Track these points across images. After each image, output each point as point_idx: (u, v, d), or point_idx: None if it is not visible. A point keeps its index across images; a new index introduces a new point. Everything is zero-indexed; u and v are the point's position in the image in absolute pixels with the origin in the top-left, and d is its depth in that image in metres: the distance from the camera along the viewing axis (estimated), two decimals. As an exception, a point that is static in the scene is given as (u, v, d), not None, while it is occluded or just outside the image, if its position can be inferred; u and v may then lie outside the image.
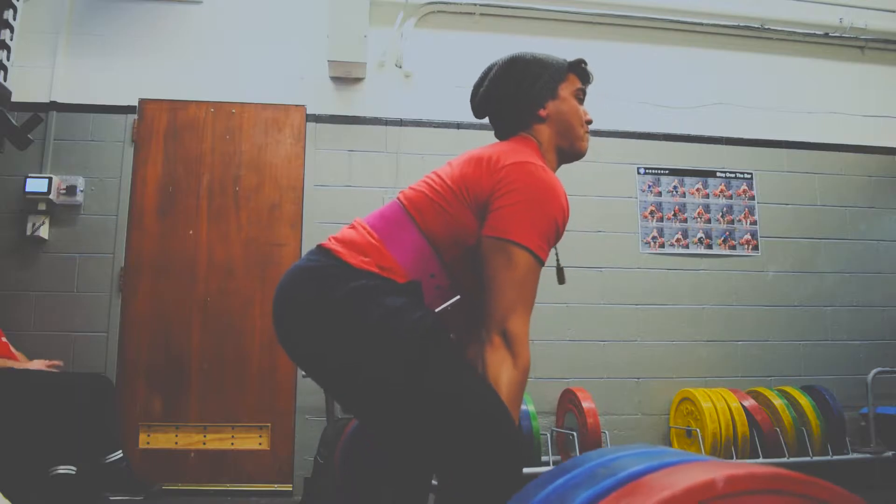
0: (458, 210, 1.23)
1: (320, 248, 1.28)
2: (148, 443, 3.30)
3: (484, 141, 1.38)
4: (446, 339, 1.21)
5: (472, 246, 1.23)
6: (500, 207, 1.19)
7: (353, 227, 1.32)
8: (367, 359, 1.13)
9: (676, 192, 3.89)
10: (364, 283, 1.17)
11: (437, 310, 1.25)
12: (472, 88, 1.47)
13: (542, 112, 1.37)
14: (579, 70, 1.43)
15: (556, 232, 1.22)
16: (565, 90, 1.39)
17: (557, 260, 1.50)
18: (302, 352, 1.22)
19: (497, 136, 1.45)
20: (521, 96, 1.37)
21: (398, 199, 1.32)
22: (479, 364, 1.16)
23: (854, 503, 0.62)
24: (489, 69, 1.43)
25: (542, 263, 1.20)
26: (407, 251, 1.22)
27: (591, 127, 1.44)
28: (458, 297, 1.27)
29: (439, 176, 1.30)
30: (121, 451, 2.98)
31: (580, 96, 1.42)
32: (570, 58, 1.44)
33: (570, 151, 1.40)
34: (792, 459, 3.21)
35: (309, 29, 3.74)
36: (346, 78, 3.72)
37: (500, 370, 1.13)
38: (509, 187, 1.19)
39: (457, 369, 1.16)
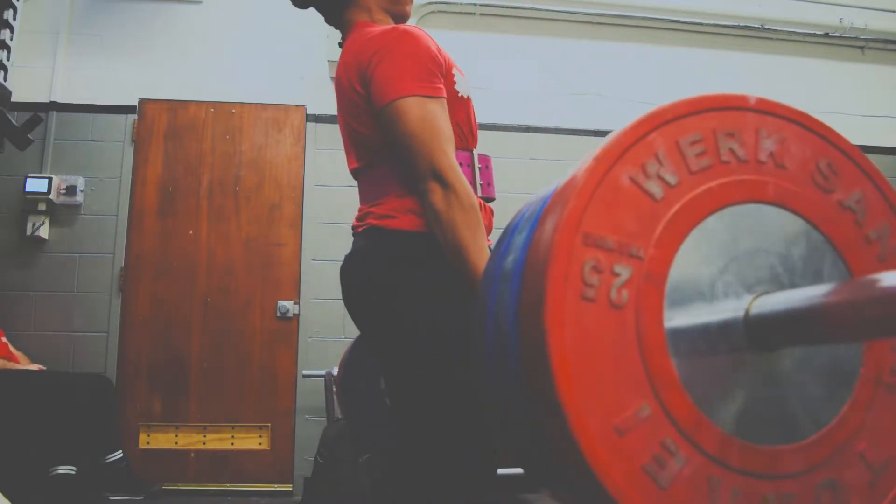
0: (365, 118, 1.23)
1: (362, 230, 1.29)
2: (148, 443, 3.30)
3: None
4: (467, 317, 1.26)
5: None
6: (369, 80, 1.19)
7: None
8: (406, 336, 1.18)
9: (676, 192, 3.89)
10: (401, 254, 1.20)
11: None
12: None
13: None
14: None
15: (431, 61, 1.19)
16: None
17: None
18: (365, 331, 1.28)
19: (327, 21, 1.43)
20: None
21: (348, 166, 1.36)
22: (429, 217, 1.15)
23: (866, 160, 0.70)
24: None
25: (439, 97, 1.18)
26: (392, 183, 1.23)
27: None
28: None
29: (338, 117, 1.35)
30: (121, 451, 2.98)
31: None
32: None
33: (396, 13, 1.38)
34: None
35: (309, 29, 3.72)
36: (346, 78, 3.71)
37: (449, 209, 1.12)
38: (366, 60, 1.19)
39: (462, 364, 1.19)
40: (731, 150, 0.64)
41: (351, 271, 1.26)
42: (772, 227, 0.64)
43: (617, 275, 0.58)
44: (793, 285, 0.63)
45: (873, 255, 0.66)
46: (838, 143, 0.69)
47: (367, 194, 1.30)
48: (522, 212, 0.76)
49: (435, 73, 1.19)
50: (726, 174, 0.63)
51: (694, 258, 0.61)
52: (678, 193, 0.62)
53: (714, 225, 0.62)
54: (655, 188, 0.61)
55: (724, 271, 0.62)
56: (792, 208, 0.64)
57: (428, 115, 1.16)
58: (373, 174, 1.27)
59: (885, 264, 0.66)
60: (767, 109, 0.66)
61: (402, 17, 1.38)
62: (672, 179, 0.62)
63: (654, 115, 0.63)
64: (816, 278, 0.64)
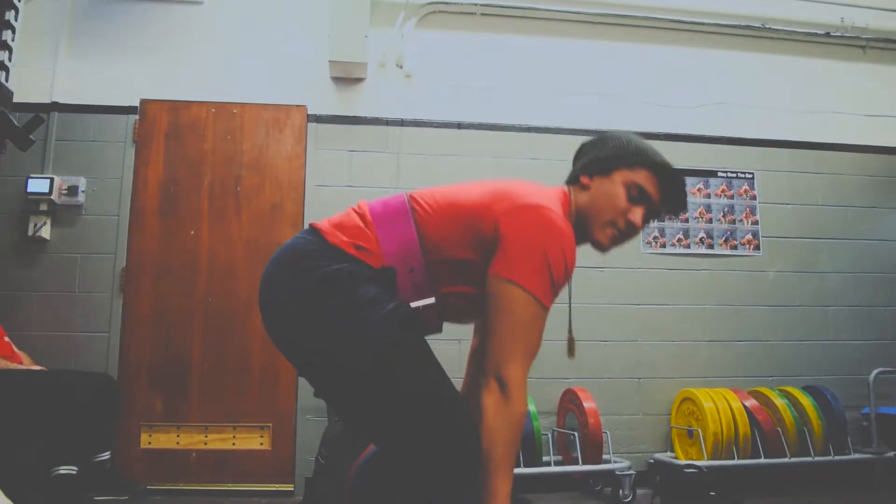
0: (460, 230, 1.24)
1: (310, 226, 1.31)
2: (149, 443, 3.30)
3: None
4: (418, 332, 1.23)
5: (456, 260, 1.25)
6: (508, 248, 1.18)
7: (349, 209, 1.34)
8: (336, 347, 1.16)
9: (677, 191, 3.88)
10: (338, 268, 1.18)
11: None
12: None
13: (584, 180, 1.37)
14: (659, 172, 1.33)
15: (562, 279, 1.22)
16: (622, 177, 1.33)
17: (570, 330, 1.55)
18: (277, 333, 1.25)
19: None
20: (584, 157, 1.41)
21: (407, 196, 1.32)
22: (478, 408, 1.18)
23: None
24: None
25: (546, 309, 1.21)
26: (394, 239, 1.24)
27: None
28: (433, 299, 1.26)
29: (456, 191, 1.31)
30: (108, 452, 2.96)
31: (634, 193, 1.32)
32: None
33: (584, 232, 1.36)
34: (793, 460, 3.20)
35: (309, 29, 3.74)
36: (346, 78, 3.72)
37: (496, 415, 1.15)
38: (519, 228, 1.19)
39: (423, 367, 1.19)
40: None
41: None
42: None
43: None
44: None
45: None
46: None
47: (380, 209, 1.29)
48: None
49: (560, 288, 1.23)
50: None
51: None
52: None
53: None
54: None
55: None
56: None
57: (532, 323, 1.18)
58: (402, 218, 1.26)
59: None
60: None
61: (585, 238, 1.37)
62: None
63: None
64: None
